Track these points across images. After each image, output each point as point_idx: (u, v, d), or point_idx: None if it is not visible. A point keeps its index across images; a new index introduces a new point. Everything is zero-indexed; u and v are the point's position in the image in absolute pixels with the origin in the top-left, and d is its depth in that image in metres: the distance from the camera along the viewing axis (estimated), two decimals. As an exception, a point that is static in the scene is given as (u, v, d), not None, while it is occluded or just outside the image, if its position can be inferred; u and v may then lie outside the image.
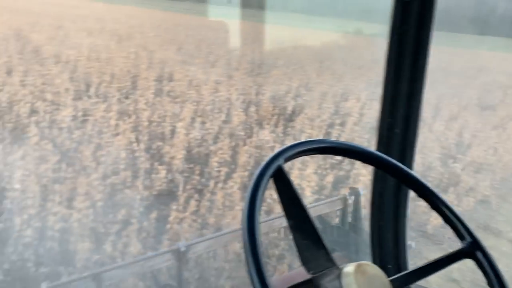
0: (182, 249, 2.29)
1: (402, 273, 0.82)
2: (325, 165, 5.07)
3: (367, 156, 0.89)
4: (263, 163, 0.76)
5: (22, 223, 3.57)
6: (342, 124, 6.34)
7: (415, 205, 4.22)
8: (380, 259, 1.42)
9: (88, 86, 6.77)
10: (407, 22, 1.27)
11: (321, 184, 4.69)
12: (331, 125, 6.31)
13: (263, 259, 0.67)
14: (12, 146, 4.60)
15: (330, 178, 4.73)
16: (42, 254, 3.41)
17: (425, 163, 5.34)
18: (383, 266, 0.80)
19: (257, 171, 0.75)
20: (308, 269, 0.77)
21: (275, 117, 6.46)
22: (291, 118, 6.69)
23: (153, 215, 3.75)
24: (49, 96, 6.12)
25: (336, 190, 4.75)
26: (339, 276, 0.74)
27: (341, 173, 5.05)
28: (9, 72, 7.00)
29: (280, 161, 0.78)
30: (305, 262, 0.77)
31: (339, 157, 5.16)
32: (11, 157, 4.34)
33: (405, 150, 1.37)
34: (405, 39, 1.29)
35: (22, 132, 5.07)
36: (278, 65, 9.61)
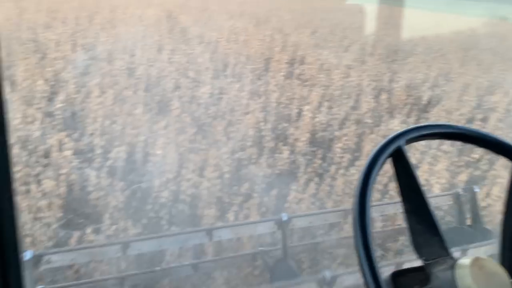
0: (284, 218, 2.45)
1: None
2: (459, 162, 4.68)
3: (502, 147, 0.81)
4: (384, 141, 0.75)
5: (160, 185, 4.01)
6: (484, 119, 5.74)
7: None
8: (510, 264, 1.28)
9: (225, 66, 7.20)
10: None
11: (452, 182, 4.34)
12: (470, 120, 5.75)
13: (372, 237, 0.67)
14: (157, 116, 5.15)
15: (463, 177, 4.35)
16: (174, 214, 3.80)
17: None
18: None
19: (375, 148, 0.74)
20: (420, 255, 0.74)
21: (408, 106, 6.12)
22: (425, 109, 6.27)
23: (274, 192, 3.89)
24: (191, 74, 6.66)
25: (469, 191, 4.35)
26: (452, 267, 0.70)
27: (477, 172, 4.60)
28: (159, 50, 7.78)
29: (401, 141, 0.76)
30: (417, 247, 0.74)
31: (476, 155, 4.71)
32: (155, 126, 4.86)
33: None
34: None
35: (166, 105, 5.64)
36: (416, 52, 9.02)
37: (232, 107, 5.63)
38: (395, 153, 0.75)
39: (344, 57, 8.16)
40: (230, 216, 3.57)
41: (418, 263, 0.74)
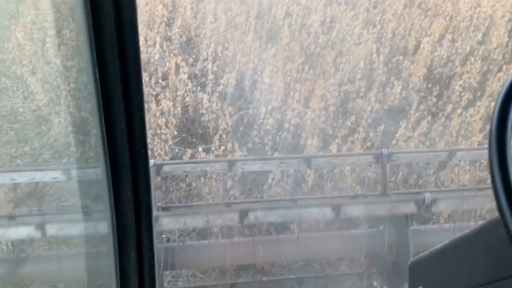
0: (385, 153, 2.45)
1: None
2: None
3: None
4: None
5: (266, 112, 4.11)
6: None
7: None
8: None
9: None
10: None
11: None
12: None
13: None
14: (267, 45, 5.15)
15: None
16: (277, 142, 3.92)
17: None
18: None
19: None
20: None
21: (550, 42, 5.31)
22: None
23: (381, 127, 3.77)
24: (303, 1, 6.44)
25: None
26: None
27: None
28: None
29: None
30: None
31: None
32: (264, 54, 4.89)
33: None
34: None
35: (276, 32, 5.59)
36: None
37: (343, 36, 5.39)
38: None
39: (477, -17, 7.18)
40: (333, 148, 3.57)
41: None
